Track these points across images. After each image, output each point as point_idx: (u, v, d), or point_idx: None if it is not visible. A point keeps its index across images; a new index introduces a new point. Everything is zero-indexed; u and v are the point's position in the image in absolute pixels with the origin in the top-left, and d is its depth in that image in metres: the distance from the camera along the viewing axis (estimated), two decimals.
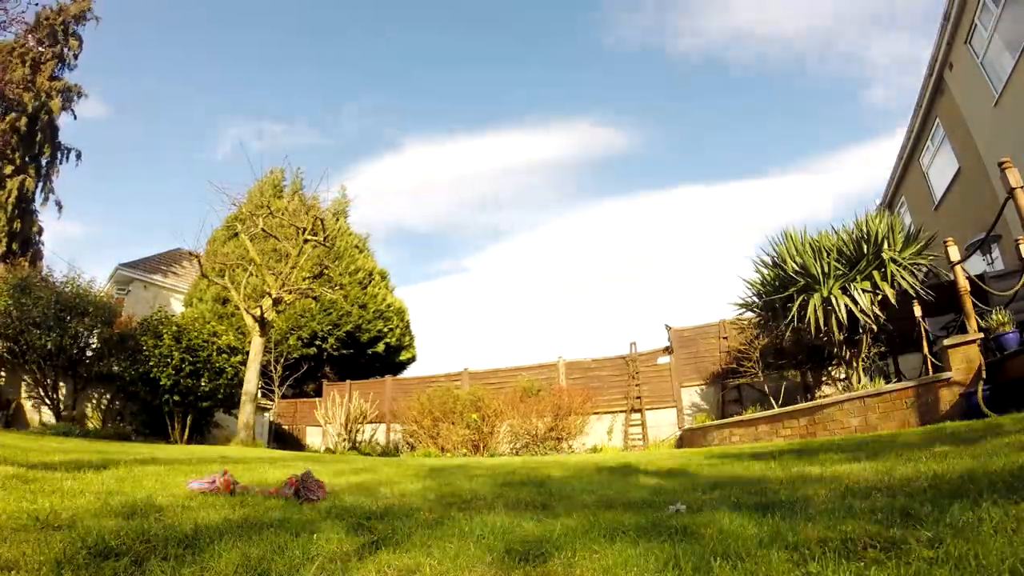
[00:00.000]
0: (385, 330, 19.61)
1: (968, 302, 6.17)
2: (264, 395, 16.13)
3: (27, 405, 11.58)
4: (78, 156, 21.51)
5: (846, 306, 7.44)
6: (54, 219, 32.88)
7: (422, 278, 53.48)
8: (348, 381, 16.60)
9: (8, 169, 18.91)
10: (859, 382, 7.81)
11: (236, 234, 16.63)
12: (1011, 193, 5.21)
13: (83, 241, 38.44)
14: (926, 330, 7.72)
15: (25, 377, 11.56)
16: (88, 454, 4.93)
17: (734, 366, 11.13)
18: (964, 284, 6.31)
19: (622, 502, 2.85)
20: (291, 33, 47.02)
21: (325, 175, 36.73)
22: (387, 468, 5.20)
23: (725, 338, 12.06)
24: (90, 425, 11.59)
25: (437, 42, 46.22)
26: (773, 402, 9.38)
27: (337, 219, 19.88)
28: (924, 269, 7.97)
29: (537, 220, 58.73)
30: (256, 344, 12.48)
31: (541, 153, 53.55)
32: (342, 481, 3.90)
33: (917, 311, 7.86)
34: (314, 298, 16.25)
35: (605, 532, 2.11)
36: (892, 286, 7.41)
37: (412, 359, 21.58)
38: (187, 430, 12.23)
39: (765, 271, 8.85)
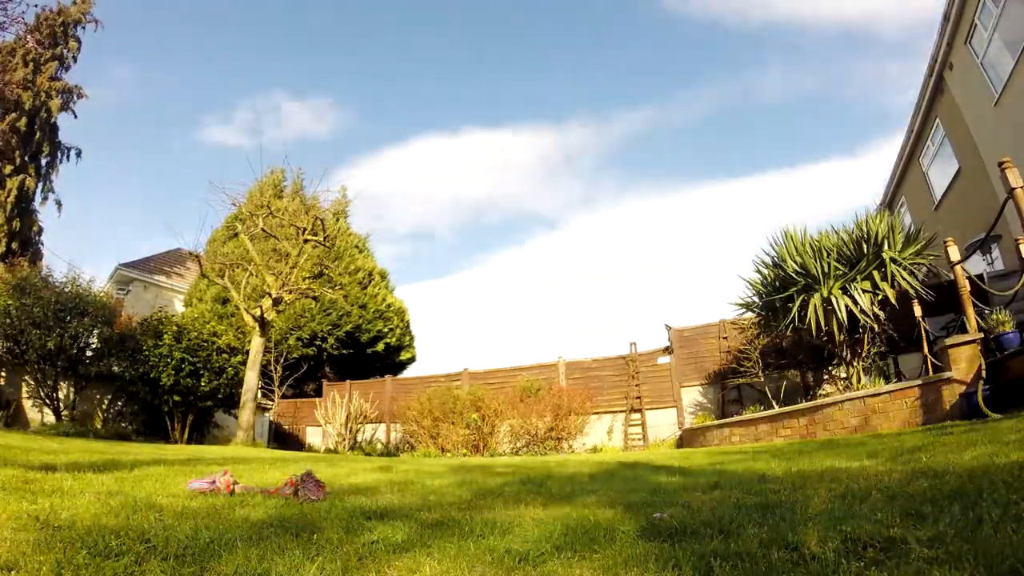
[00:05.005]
0: (385, 330, 19.62)
1: (968, 302, 6.17)
2: (264, 395, 16.13)
3: (27, 405, 11.57)
4: (78, 155, 21.51)
5: (846, 306, 7.44)
6: (54, 218, 32.98)
7: (423, 277, 53.54)
8: (348, 381, 16.60)
9: (8, 169, 18.89)
10: (859, 382, 7.81)
11: (236, 234, 16.63)
12: (1011, 193, 5.21)
13: (83, 240, 38.45)
14: (926, 330, 7.72)
15: (25, 377, 11.56)
16: (88, 455, 4.93)
17: (734, 366, 11.13)
18: (964, 284, 6.31)
19: (622, 502, 2.86)
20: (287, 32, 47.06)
21: (325, 174, 36.77)
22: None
23: (725, 338, 12.06)
24: (90, 425, 11.58)
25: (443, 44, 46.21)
26: (773, 402, 9.37)
27: (337, 219, 19.86)
28: (924, 269, 7.97)
29: (536, 222, 58.76)
30: (256, 344, 12.48)
31: (539, 152, 53.57)
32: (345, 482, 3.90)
33: (917, 311, 7.86)
34: (314, 298, 16.25)
35: (605, 532, 2.11)
36: (892, 286, 7.41)
37: (412, 359, 21.59)
38: (187, 430, 12.24)
39: (765, 271, 8.85)
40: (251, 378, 12.23)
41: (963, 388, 5.82)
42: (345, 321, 18.46)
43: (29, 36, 17.67)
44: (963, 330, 6.26)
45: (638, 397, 12.69)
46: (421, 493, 3.44)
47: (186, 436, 12.15)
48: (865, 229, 7.85)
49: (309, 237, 13.80)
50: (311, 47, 47.88)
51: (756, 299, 9.13)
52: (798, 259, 8.17)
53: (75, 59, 21.27)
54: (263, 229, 13.99)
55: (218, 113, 49.73)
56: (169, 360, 11.78)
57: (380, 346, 19.52)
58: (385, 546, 1.94)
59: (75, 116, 21.23)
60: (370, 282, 19.94)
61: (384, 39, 46.21)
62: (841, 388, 8.17)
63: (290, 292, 13.29)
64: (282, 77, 48.43)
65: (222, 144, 46.60)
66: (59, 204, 20.91)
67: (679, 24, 43.75)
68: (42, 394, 11.34)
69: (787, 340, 9.73)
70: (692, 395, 12.31)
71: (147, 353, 11.79)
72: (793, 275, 8.11)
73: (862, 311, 7.46)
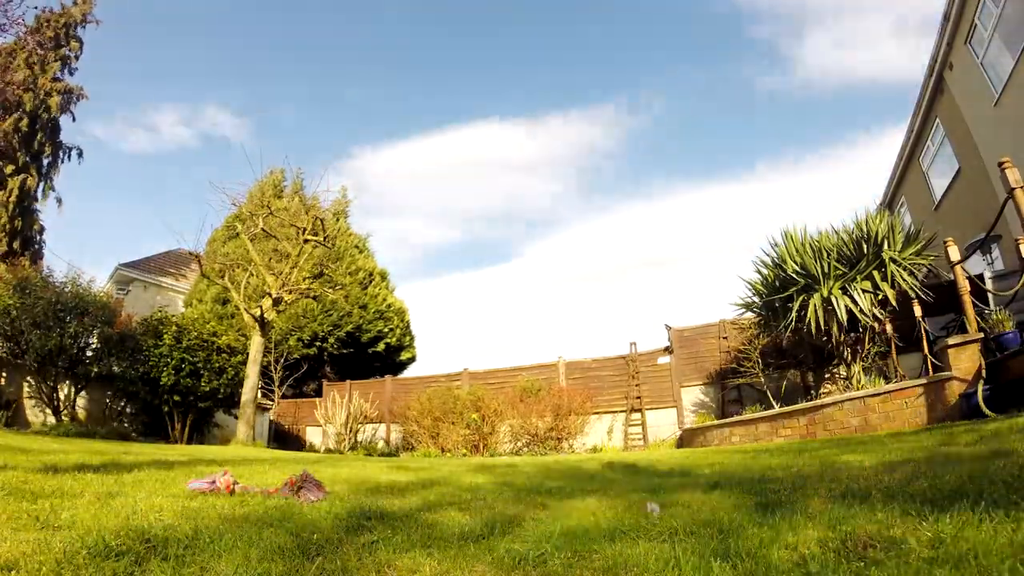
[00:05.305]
0: (385, 330, 19.62)
1: (968, 302, 6.17)
2: (264, 395, 16.13)
3: (28, 405, 11.57)
4: (79, 155, 21.47)
5: (846, 306, 7.44)
6: (55, 218, 33.01)
7: (423, 277, 53.56)
8: (348, 381, 16.61)
9: (9, 168, 18.88)
10: (859, 382, 7.80)
11: (236, 234, 16.64)
12: (1011, 193, 5.21)
13: (83, 240, 38.50)
14: (926, 330, 7.72)
15: (26, 377, 11.56)
16: (88, 455, 4.93)
17: (734, 366, 11.13)
18: (964, 284, 6.31)
19: (622, 502, 2.85)
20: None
21: (325, 174, 36.74)
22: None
23: (725, 338, 12.06)
24: (91, 425, 11.57)
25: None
26: (773, 402, 9.37)
27: (337, 219, 19.88)
28: (924, 269, 7.97)
29: (535, 222, 58.77)
30: (256, 344, 12.48)
31: (539, 151, 53.57)
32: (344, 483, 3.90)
33: (917, 311, 7.86)
34: (314, 298, 16.25)
35: (605, 532, 2.11)
36: (892, 286, 7.41)
37: (412, 359, 21.59)
38: (187, 430, 12.23)
39: (765, 271, 8.85)
40: (251, 378, 12.23)
41: (963, 388, 5.83)
42: (346, 321, 18.46)
43: (29, 38, 17.66)
44: (963, 330, 6.27)
45: (638, 397, 12.68)
46: (421, 494, 3.44)
47: (186, 436, 12.14)
48: (865, 229, 7.85)
49: (309, 237, 13.80)
50: (311, 46, 47.90)
51: (756, 299, 9.13)
52: (798, 259, 8.17)
53: (77, 58, 21.27)
54: (263, 229, 13.99)
55: (217, 112, 49.75)
56: (169, 360, 11.78)
57: (380, 346, 19.52)
58: (385, 546, 1.94)
59: (73, 119, 21.17)
60: (370, 282, 19.95)
61: (384, 38, 46.24)
62: (841, 388, 8.17)
63: (290, 292, 13.29)
64: (281, 76, 48.46)
65: (222, 144, 46.64)
66: (60, 203, 20.92)
67: (679, 20, 43.77)
68: (42, 394, 11.33)
69: (787, 340, 9.72)
70: (692, 395, 12.31)
71: (147, 353, 11.79)
72: (793, 275, 8.11)
73: (862, 311, 7.46)
